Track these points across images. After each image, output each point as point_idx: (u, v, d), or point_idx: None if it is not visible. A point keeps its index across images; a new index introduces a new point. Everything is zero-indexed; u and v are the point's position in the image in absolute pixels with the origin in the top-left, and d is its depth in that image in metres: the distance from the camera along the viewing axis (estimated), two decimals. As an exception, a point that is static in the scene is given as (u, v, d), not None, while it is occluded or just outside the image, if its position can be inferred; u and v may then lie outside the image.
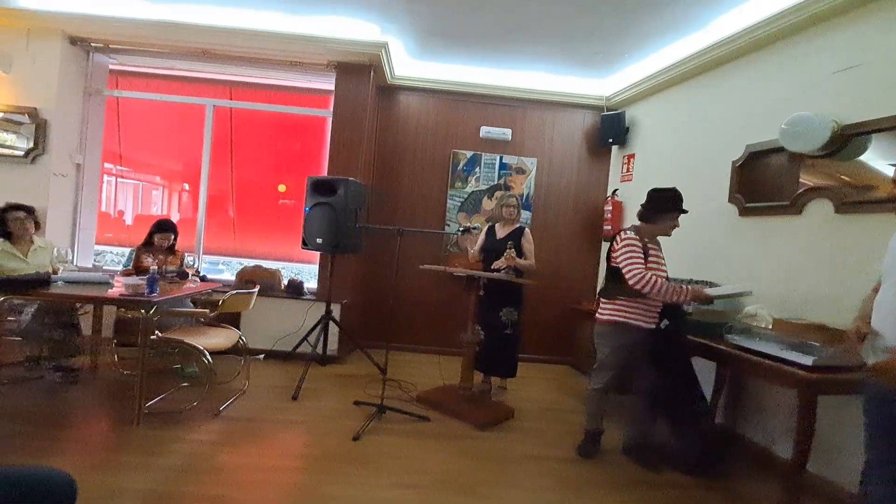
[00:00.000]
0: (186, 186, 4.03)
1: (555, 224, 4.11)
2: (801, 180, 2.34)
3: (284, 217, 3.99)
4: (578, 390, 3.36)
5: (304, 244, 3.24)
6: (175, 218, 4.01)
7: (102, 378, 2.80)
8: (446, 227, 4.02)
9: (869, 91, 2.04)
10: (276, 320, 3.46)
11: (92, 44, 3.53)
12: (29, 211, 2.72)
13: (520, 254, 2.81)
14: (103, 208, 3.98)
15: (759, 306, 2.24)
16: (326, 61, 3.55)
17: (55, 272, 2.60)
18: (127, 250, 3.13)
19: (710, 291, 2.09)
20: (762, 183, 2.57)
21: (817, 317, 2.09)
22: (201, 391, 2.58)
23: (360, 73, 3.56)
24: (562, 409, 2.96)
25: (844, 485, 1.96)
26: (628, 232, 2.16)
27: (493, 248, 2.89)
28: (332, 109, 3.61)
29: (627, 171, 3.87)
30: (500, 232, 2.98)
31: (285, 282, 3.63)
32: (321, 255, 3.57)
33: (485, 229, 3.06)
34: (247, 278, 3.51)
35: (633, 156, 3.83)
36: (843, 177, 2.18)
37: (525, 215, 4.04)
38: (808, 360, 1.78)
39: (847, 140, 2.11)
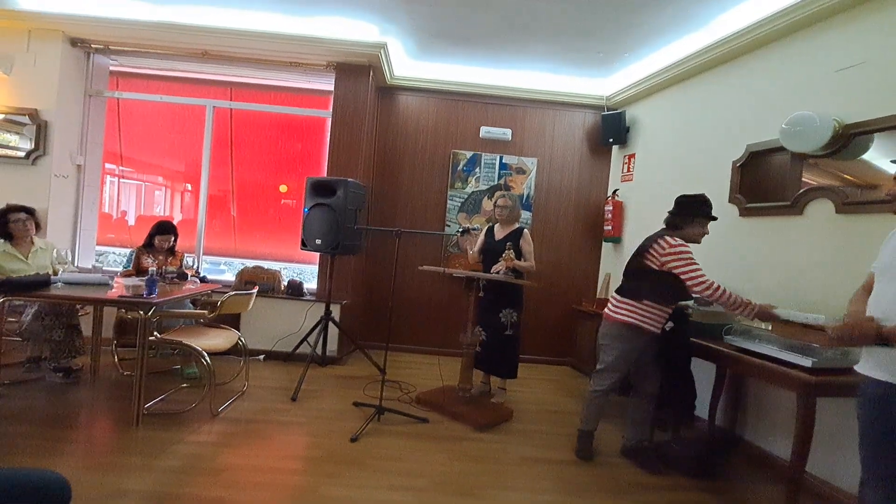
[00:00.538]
0: (188, 187, 4.04)
1: (555, 224, 4.10)
2: (802, 180, 2.32)
3: (285, 218, 3.99)
4: (579, 391, 3.35)
5: (304, 245, 3.24)
6: (177, 218, 4.03)
7: (103, 379, 2.81)
8: (446, 228, 4.01)
9: (871, 90, 2.02)
10: (276, 321, 3.47)
11: (92, 45, 3.54)
12: (30, 212, 2.73)
13: (519, 255, 2.80)
14: (106, 209, 3.99)
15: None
16: (326, 62, 3.55)
17: (55, 273, 2.61)
18: (129, 251, 3.14)
19: (779, 313, 1.97)
20: (763, 183, 2.56)
21: (818, 318, 2.07)
22: (201, 392, 2.59)
23: (359, 74, 3.56)
24: (562, 410, 2.95)
25: (844, 487, 1.95)
26: (676, 239, 2.06)
27: (492, 249, 2.88)
28: (331, 110, 3.61)
29: (628, 170, 3.85)
30: (499, 233, 2.97)
31: (285, 282, 3.63)
32: (321, 255, 3.58)
33: (484, 230, 3.05)
34: (247, 279, 3.52)
35: (633, 155, 3.81)
36: (845, 176, 2.17)
37: (525, 215, 4.03)
38: (807, 362, 1.77)
39: (849, 139, 2.09)
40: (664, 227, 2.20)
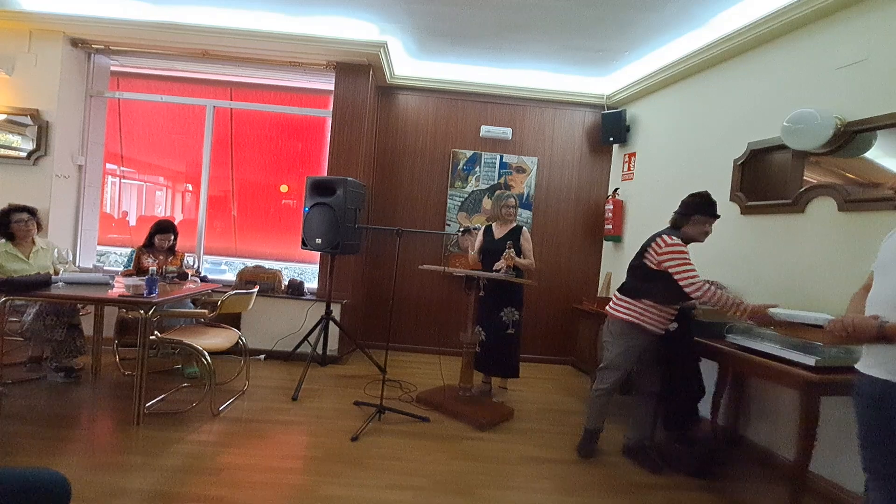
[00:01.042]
0: (189, 187, 4.05)
1: (555, 223, 4.09)
2: (804, 178, 2.31)
3: (285, 217, 3.99)
4: (579, 390, 3.34)
5: (304, 244, 3.24)
6: (178, 218, 4.03)
7: (104, 378, 2.82)
8: (446, 227, 4.01)
9: (874, 87, 2.01)
10: (277, 321, 3.47)
11: (93, 46, 3.55)
12: (32, 212, 2.73)
13: (519, 253, 2.80)
14: (107, 209, 4.00)
15: (761, 306, 2.21)
16: (326, 61, 3.55)
17: (56, 273, 2.61)
18: (130, 251, 3.15)
19: (775, 312, 1.93)
20: (764, 181, 2.55)
21: (818, 317, 2.05)
22: (201, 392, 2.59)
23: (359, 73, 3.56)
24: (562, 409, 2.94)
25: (849, 487, 1.94)
26: (673, 237, 2.05)
27: (492, 249, 2.88)
28: (331, 109, 3.61)
29: (628, 169, 3.84)
30: (498, 232, 2.96)
31: (286, 282, 3.63)
32: (321, 255, 3.58)
33: (482, 230, 3.04)
34: (247, 279, 3.52)
35: (633, 154, 3.80)
36: (846, 175, 2.15)
37: (526, 214, 4.03)
38: (810, 361, 1.76)
39: (851, 137, 2.08)
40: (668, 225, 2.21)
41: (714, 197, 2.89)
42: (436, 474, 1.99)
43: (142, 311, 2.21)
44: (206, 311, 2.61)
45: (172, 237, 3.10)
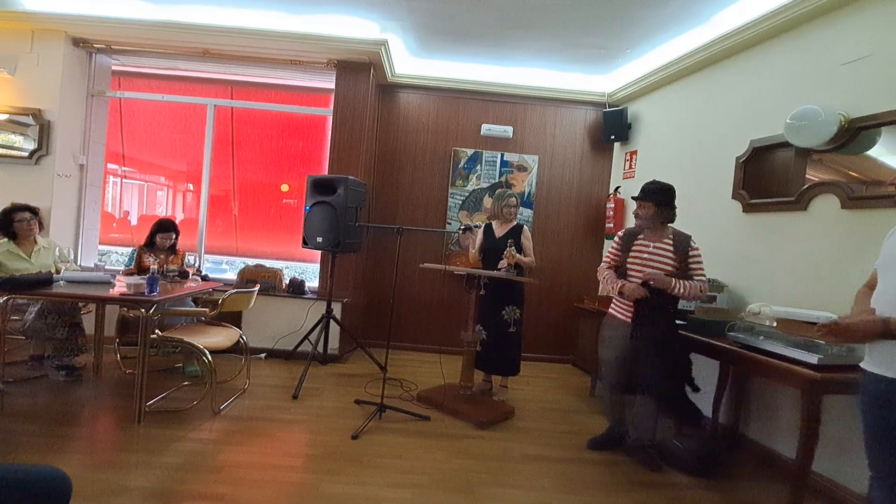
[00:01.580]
0: (190, 187, 4.05)
1: (556, 221, 4.08)
2: (806, 175, 2.29)
3: (287, 216, 3.99)
4: (580, 389, 3.34)
5: (305, 243, 3.24)
6: (179, 218, 4.04)
7: (105, 377, 2.83)
8: (447, 226, 4.01)
9: (878, 83, 1.99)
10: (278, 319, 3.47)
11: (94, 45, 3.56)
12: (34, 211, 2.74)
13: (519, 251, 2.79)
14: (108, 209, 4.01)
15: (763, 304, 2.20)
16: (326, 60, 3.55)
17: (57, 272, 2.62)
18: (131, 250, 3.15)
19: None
20: (767, 179, 2.53)
21: (820, 316, 2.04)
22: (202, 390, 2.59)
23: (360, 72, 3.55)
24: (563, 408, 2.94)
25: (852, 486, 1.92)
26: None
27: (492, 247, 2.87)
28: (332, 108, 3.60)
29: (630, 167, 3.83)
30: (499, 230, 2.96)
31: (286, 281, 3.64)
32: (322, 253, 3.58)
33: (482, 228, 3.04)
34: (248, 277, 3.53)
35: (635, 152, 3.79)
36: (850, 173, 2.14)
37: (527, 213, 4.02)
38: (813, 359, 1.75)
39: (855, 134, 2.06)
40: None
41: (716, 195, 2.88)
42: (436, 472, 1.99)
43: (143, 310, 2.21)
44: (206, 309, 2.61)
45: (174, 236, 3.11)
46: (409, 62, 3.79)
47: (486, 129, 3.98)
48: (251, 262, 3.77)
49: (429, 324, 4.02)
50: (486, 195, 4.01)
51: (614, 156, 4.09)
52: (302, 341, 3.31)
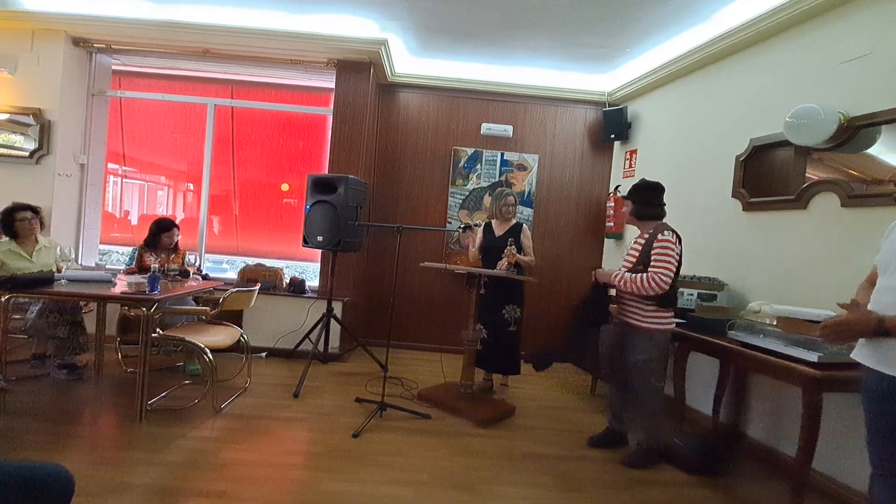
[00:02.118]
0: (191, 186, 4.06)
1: (557, 220, 4.08)
2: (806, 174, 2.30)
3: (287, 215, 4.00)
4: (580, 388, 3.34)
5: (305, 242, 3.24)
6: (179, 217, 4.05)
7: (106, 375, 2.83)
8: (447, 225, 4.01)
9: (878, 81, 1.99)
10: (278, 318, 3.48)
11: (95, 45, 3.56)
12: (35, 211, 2.75)
13: (519, 250, 2.80)
14: (109, 209, 4.02)
15: (763, 302, 2.20)
16: (326, 59, 3.55)
17: (58, 271, 2.62)
18: (132, 249, 3.15)
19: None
20: (767, 177, 2.53)
21: (823, 313, 2.05)
22: (203, 389, 2.60)
23: (360, 71, 3.56)
24: (563, 407, 2.94)
25: (852, 484, 1.93)
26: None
27: (492, 246, 2.88)
28: (332, 107, 3.61)
29: (630, 166, 3.83)
30: (498, 229, 2.96)
31: (287, 280, 3.64)
32: (322, 253, 3.58)
33: (482, 227, 3.04)
34: (249, 277, 3.53)
35: (635, 151, 3.79)
36: (850, 172, 2.14)
37: (527, 212, 4.02)
38: (813, 357, 1.75)
39: (855, 132, 2.06)
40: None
41: (716, 193, 2.89)
42: (437, 470, 2.00)
43: (144, 309, 2.21)
44: (207, 308, 2.62)
45: (176, 231, 3.10)
46: (409, 61, 3.79)
47: (486, 128, 3.98)
48: (252, 261, 3.78)
49: (429, 323, 4.03)
50: (487, 194, 4.01)
51: (614, 155, 4.09)
52: (302, 340, 3.31)
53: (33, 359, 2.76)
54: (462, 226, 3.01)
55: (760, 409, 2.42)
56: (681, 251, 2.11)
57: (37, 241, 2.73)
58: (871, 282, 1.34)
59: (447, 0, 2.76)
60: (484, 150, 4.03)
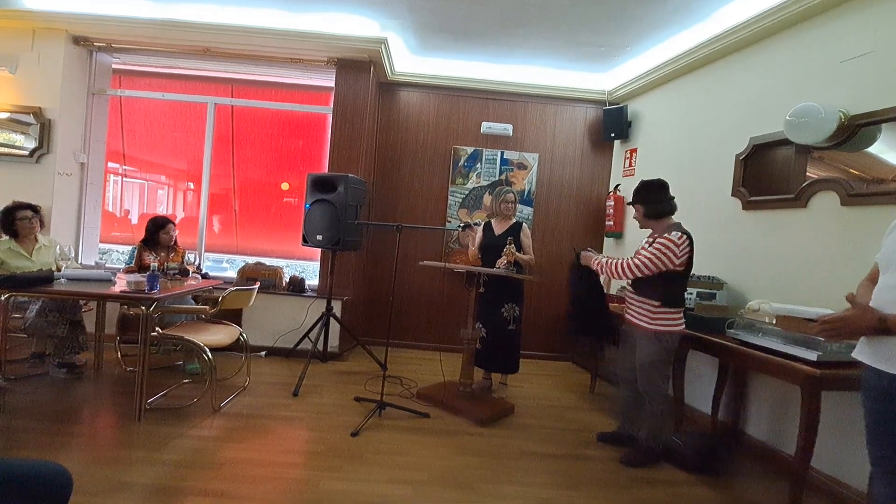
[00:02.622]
0: (191, 185, 4.05)
1: (557, 219, 4.08)
2: (806, 173, 2.29)
3: (287, 214, 4.00)
4: (580, 387, 3.34)
5: (305, 241, 3.24)
6: (179, 216, 4.04)
7: (106, 374, 2.83)
8: (447, 224, 4.01)
9: (879, 79, 1.99)
10: (278, 317, 3.48)
11: (95, 43, 3.56)
12: (35, 210, 2.75)
13: (519, 249, 2.79)
14: (109, 208, 4.02)
15: (762, 301, 2.20)
16: (326, 58, 3.55)
17: (58, 270, 2.62)
18: (131, 248, 3.14)
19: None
20: (767, 176, 2.53)
21: (822, 312, 2.04)
22: (203, 387, 2.60)
23: (360, 70, 3.55)
24: (562, 405, 2.94)
25: (851, 482, 1.93)
26: None
27: (492, 245, 2.87)
28: (332, 106, 3.61)
29: (630, 165, 3.82)
30: (498, 228, 2.96)
31: (287, 279, 3.64)
32: (322, 251, 3.58)
33: (482, 226, 3.04)
34: (248, 276, 3.53)
35: (635, 150, 3.79)
36: (850, 171, 2.13)
37: (527, 211, 4.02)
38: (812, 355, 1.75)
39: (855, 130, 2.06)
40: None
41: (716, 192, 2.88)
42: (436, 469, 2.00)
43: (143, 308, 2.22)
44: (207, 307, 2.62)
45: (173, 227, 3.08)
46: (409, 60, 3.79)
47: (486, 126, 3.98)
48: (251, 260, 3.78)
49: (428, 322, 4.03)
50: (486, 193, 4.01)
51: (614, 154, 4.09)
52: (302, 339, 3.32)
53: (33, 357, 2.76)
54: (462, 224, 3.01)
55: (759, 408, 2.42)
56: (689, 252, 2.07)
57: (37, 240, 2.73)
58: (872, 279, 1.34)
59: (447, -1, 2.76)
60: (484, 149, 4.02)
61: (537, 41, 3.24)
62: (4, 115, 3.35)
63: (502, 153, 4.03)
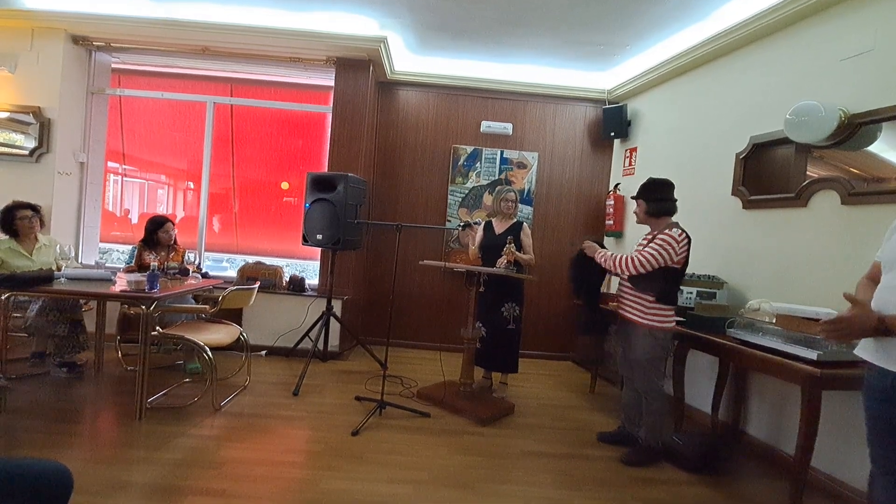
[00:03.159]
0: (191, 185, 4.05)
1: (556, 218, 4.08)
2: (807, 172, 2.29)
3: (287, 213, 4.00)
4: (580, 386, 3.34)
5: (305, 240, 3.24)
6: (179, 216, 4.04)
7: (106, 374, 2.84)
8: (447, 223, 4.00)
9: (880, 78, 1.98)
10: (278, 317, 3.48)
11: (94, 43, 3.56)
12: (35, 209, 2.75)
13: (519, 248, 2.79)
14: (109, 207, 4.02)
15: (763, 300, 2.20)
16: (326, 57, 3.54)
17: (58, 269, 2.63)
18: (131, 247, 3.14)
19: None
20: (767, 175, 2.53)
21: (823, 311, 2.04)
22: (203, 387, 2.60)
23: (359, 69, 3.55)
24: (562, 405, 2.94)
25: (851, 482, 1.93)
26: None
27: (492, 244, 2.87)
28: (331, 105, 3.60)
29: (629, 164, 3.82)
30: (499, 227, 2.96)
31: (287, 278, 3.64)
32: (322, 251, 3.58)
33: (482, 225, 3.04)
34: (248, 275, 3.53)
35: (635, 149, 3.78)
36: (850, 170, 2.13)
37: (527, 210, 4.02)
38: (812, 355, 1.75)
39: (855, 129, 2.05)
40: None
41: (716, 191, 2.88)
42: (436, 468, 2.00)
43: (143, 307, 2.22)
44: (207, 306, 2.62)
45: (171, 226, 3.08)
46: (408, 59, 3.78)
47: (485, 126, 3.97)
48: (251, 259, 3.78)
49: (429, 321, 4.03)
50: (486, 192, 4.00)
51: (614, 153, 4.08)
52: (302, 338, 3.32)
53: (33, 357, 2.77)
54: (462, 224, 3.00)
55: (760, 408, 2.42)
56: (686, 250, 2.09)
57: (37, 240, 2.73)
58: (871, 277, 1.34)
59: (446, -3, 2.75)
60: (483, 148, 4.02)
61: (537, 40, 3.24)
62: (4, 115, 3.35)
63: (502, 152, 4.02)
